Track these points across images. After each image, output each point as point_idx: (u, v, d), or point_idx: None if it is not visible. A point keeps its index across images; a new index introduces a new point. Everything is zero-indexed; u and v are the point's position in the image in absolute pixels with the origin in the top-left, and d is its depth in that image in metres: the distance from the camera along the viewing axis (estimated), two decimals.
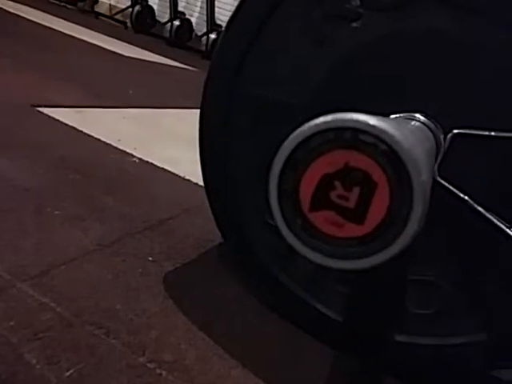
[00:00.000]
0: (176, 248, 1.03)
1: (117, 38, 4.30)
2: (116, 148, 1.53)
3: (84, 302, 0.78)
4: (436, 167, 0.68)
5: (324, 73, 0.75)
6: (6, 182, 1.10)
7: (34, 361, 0.64)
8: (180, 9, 5.43)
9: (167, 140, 1.86)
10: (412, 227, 0.42)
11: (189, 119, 2.05)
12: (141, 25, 5.44)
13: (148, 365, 0.69)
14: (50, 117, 1.62)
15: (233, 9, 0.81)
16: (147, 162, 1.50)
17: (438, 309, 0.75)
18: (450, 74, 0.69)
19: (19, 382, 0.61)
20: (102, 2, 5.99)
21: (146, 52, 4.13)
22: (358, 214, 0.44)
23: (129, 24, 5.56)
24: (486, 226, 0.68)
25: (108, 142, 1.56)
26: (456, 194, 0.69)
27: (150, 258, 0.96)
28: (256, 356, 0.79)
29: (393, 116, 0.68)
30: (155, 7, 5.67)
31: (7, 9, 3.69)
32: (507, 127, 0.67)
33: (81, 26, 4.22)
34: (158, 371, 0.69)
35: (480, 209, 0.68)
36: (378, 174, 0.42)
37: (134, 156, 1.51)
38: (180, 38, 5.37)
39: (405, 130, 0.50)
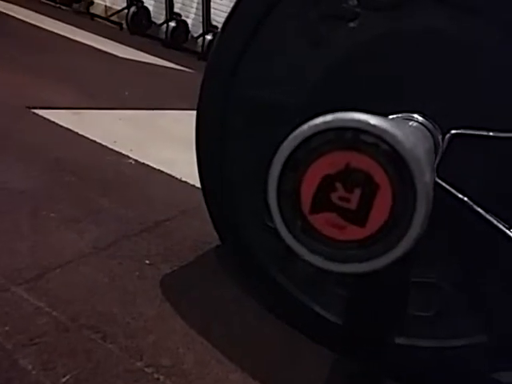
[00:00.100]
0: (173, 250, 1.03)
1: (112, 40, 4.29)
2: (112, 149, 1.52)
3: (80, 306, 0.77)
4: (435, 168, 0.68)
5: (321, 73, 0.75)
6: (1, 184, 1.08)
7: (30, 367, 0.63)
8: (176, 10, 5.42)
9: (163, 141, 1.85)
10: (415, 229, 0.41)
11: (185, 120, 2.04)
12: (136, 26, 5.43)
13: (146, 369, 0.68)
14: (45, 118, 1.61)
15: (229, 10, 0.80)
16: (143, 163, 1.49)
17: (438, 311, 0.75)
18: (447, 74, 0.69)
19: None
20: (98, 4, 5.97)
21: (142, 53, 4.12)
22: (359, 216, 0.43)
23: (124, 25, 5.54)
24: (486, 227, 0.67)
25: (104, 143, 1.55)
26: (455, 195, 0.68)
27: (147, 261, 0.96)
28: (255, 358, 0.78)
29: (391, 116, 0.67)
30: (151, 8, 5.66)
31: (1, 10, 3.67)
32: (505, 127, 0.66)
33: (76, 28, 4.21)
34: (156, 376, 0.68)
35: (479, 210, 0.68)
36: (379, 175, 0.41)
37: (130, 157, 1.50)
38: (176, 39, 5.36)
39: (405, 129, 0.49)
